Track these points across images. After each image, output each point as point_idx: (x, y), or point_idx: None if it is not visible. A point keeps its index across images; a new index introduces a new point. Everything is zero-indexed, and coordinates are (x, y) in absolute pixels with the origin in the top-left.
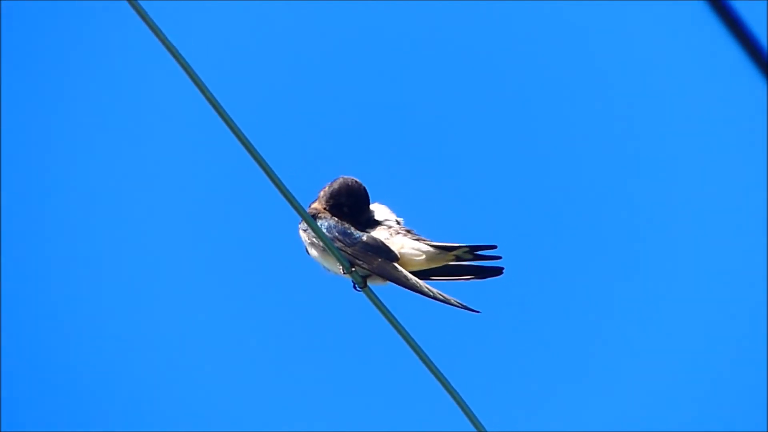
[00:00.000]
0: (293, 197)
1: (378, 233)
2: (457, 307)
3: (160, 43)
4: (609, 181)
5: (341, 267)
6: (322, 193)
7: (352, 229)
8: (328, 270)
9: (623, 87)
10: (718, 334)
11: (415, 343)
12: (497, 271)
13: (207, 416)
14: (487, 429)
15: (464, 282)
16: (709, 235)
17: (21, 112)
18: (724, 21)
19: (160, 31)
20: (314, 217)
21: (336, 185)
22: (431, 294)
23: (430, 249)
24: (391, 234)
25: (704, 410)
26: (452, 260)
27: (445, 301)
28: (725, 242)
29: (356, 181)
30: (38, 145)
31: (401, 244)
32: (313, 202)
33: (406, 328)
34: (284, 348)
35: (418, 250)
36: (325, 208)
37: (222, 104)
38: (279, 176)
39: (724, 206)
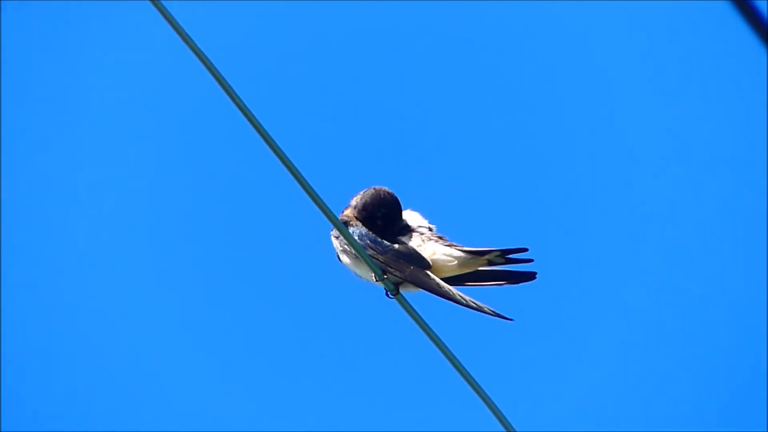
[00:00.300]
0: (325, 205)
1: (410, 240)
2: (490, 314)
3: (188, 49)
4: (633, 187)
5: (373, 274)
6: (354, 201)
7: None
8: (360, 277)
9: (644, 95)
10: (719, 334)
11: (448, 349)
12: (530, 276)
13: (234, 418)
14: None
15: (497, 287)
16: (721, 237)
17: (23, 111)
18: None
19: (189, 37)
20: (346, 224)
21: (368, 198)
22: (464, 302)
23: (462, 254)
24: (423, 241)
25: (705, 410)
26: (484, 265)
27: (478, 309)
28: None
29: (389, 193)
30: (43, 146)
31: (433, 250)
32: (346, 208)
33: (439, 335)
34: (317, 354)
35: (449, 255)
36: (356, 218)
37: (253, 111)
38: (311, 183)
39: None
